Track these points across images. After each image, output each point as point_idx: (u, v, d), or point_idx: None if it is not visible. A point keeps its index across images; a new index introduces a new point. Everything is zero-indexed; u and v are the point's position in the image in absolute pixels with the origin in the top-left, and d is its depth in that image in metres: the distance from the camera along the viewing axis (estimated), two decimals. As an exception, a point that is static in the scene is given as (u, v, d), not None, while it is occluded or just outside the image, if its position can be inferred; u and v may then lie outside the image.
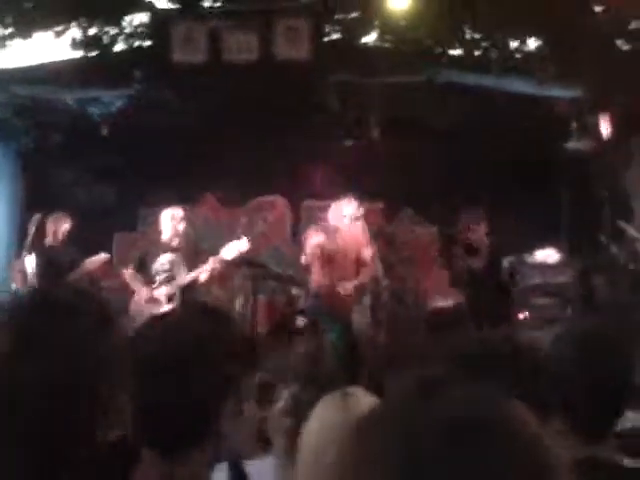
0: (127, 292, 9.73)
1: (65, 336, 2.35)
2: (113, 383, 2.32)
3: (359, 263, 9.34)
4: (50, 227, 10.30)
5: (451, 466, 1.06)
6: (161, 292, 9.42)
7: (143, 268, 9.63)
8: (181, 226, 9.66)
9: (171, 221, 9.64)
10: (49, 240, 10.34)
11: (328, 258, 9.24)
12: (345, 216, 9.28)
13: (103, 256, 10.28)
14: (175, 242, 9.56)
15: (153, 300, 9.43)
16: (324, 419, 2.44)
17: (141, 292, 9.50)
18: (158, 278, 9.52)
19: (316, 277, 9.33)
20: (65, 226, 10.36)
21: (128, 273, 9.71)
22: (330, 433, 2.33)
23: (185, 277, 9.42)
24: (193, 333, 2.31)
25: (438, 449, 1.06)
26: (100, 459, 2.21)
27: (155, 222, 10.87)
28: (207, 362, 2.23)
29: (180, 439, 2.16)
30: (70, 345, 2.33)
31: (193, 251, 9.68)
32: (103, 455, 2.23)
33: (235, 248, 9.50)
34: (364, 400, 2.46)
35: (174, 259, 9.49)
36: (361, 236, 9.40)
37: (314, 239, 9.37)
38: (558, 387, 2.63)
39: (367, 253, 9.35)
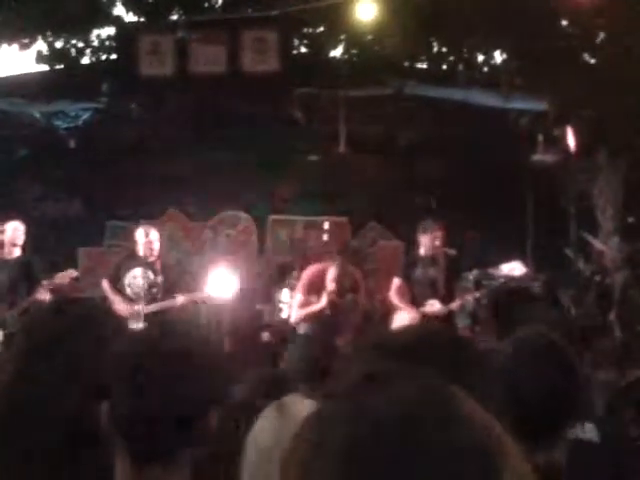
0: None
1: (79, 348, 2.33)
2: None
3: None
4: (4, 234, 10.14)
5: (396, 461, 1.02)
6: (138, 308, 9.39)
7: (118, 281, 9.62)
8: (156, 242, 9.63)
9: (145, 235, 9.58)
10: (6, 248, 10.18)
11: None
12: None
13: (72, 272, 10.14)
14: (150, 258, 9.52)
15: (134, 315, 9.42)
16: (262, 429, 2.39)
17: (119, 305, 9.49)
18: (132, 293, 9.49)
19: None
20: (20, 233, 10.20)
21: (105, 284, 9.69)
22: (268, 441, 2.28)
23: (161, 303, 9.39)
24: (181, 344, 2.24)
25: (380, 444, 1.04)
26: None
27: (127, 235, 10.82)
28: (194, 373, 2.18)
29: (156, 445, 2.11)
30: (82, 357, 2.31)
31: (168, 269, 9.65)
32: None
33: (225, 287, 9.52)
34: (301, 407, 2.42)
35: (150, 278, 9.45)
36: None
37: None
38: (510, 394, 2.67)
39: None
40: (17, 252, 9.88)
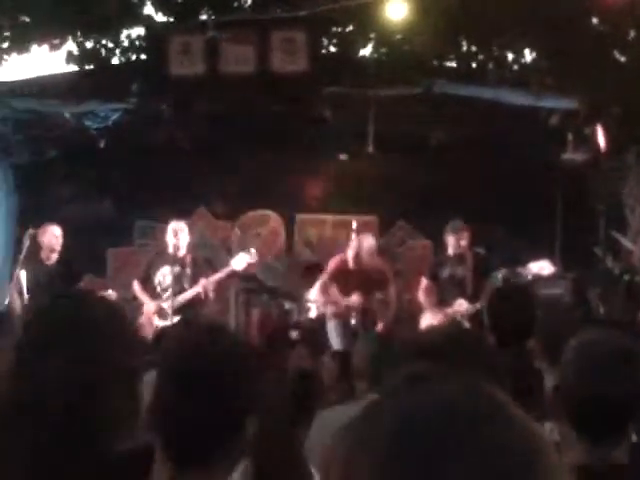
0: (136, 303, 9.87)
1: (81, 341, 2.34)
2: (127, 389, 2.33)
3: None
4: (43, 240, 10.24)
5: (438, 458, 1.02)
6: (167, 305, 9.49)
7: (148, 280, 9.74)
8: (184, 238, 9.71)
9: (174, 234, 9.67)
10: (43, 253, 10.27)
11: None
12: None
13: (111, 293, 10.16)
14: (179, 254, 9.60)
15: (160, 312, 9.53)
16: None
17: (147, 303, 9.61)
18: (161, 290, 9.61)
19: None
20: (58, 239, 10.29)
21: (136, 285, 9.82)
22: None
23: (188, 292, 9.48)
24: (226, 347, 2.31)
25: (423, 441, 1.03)
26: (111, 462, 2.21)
27: (156, 235, 10.88)
28: (239, 376, 2.23)
29: (198, 449, 2.15)
30: (84, 350, 2.31)
31: (197, 263, 9.73)
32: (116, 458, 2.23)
33: (244, 260, 9.61)
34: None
35: (178, 271, 9.54)
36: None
37: None
38: (565, 394, 2.72)
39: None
40: (55, 257, 10.03)
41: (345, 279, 9.80)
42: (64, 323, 2.33)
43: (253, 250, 9.88)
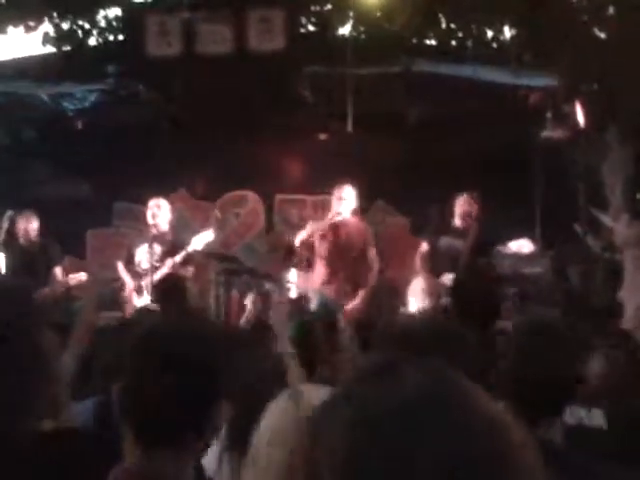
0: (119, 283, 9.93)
1: None
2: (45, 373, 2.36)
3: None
4: (20, 226, 10.21)
5: (409, 447, 1.03)
6: (145, 282, 9.49)
7: (131, 260, 9.76)
8: (164, 215, 9.73)
9: (155, 209, 9.67)
10: (20, 239, 10.25)
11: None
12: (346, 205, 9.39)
13: (84, 275, 10.19)
14: (159, 230, 9.60)
15: (137, 290, 9.55)
16: (274, 420, 2.37)
17: (128, 282, 9.64)
18: (142, 269, 9.62)
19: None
20: (34, 224, 10.27)
21: (120, 265, 9.84)
22: (280, 434, 2.26)
23: (160, 270, 9.46)
24: (195, 330, 2.33)
25: (395, 430, 1.04)
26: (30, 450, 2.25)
27: (136, 216, 10.85)
28: (208, 359, 2.23)
29: (165, 430, 2.16)
30: None
31: (177, 240, 9.72)
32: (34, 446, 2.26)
33: (202, 239, 9.57)
34: (315, 396, 2.39)
35: (156, 249, 9.55)
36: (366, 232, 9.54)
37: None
38: (503, 375, 2.78)
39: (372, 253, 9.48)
40: (32, 242, 10.04)
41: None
42: None
43: (211, 230, 9.82)
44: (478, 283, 5.21)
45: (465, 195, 9.37)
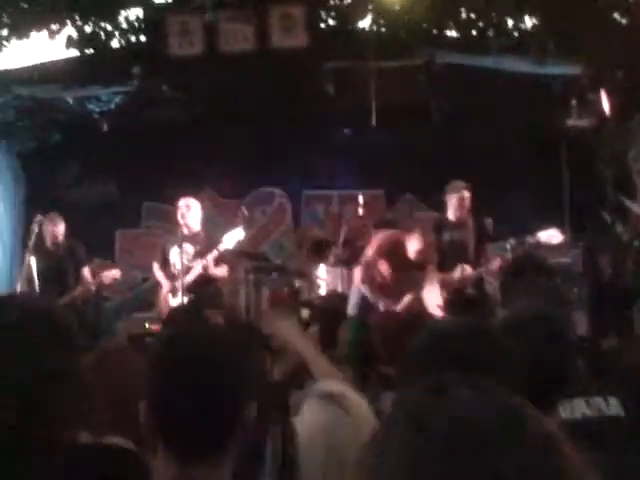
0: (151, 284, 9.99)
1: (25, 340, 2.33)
2: (80, 387, 2.32)
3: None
4: (47, 229, 10.28)
5: (468, 470, 1.04)
6: (177, 283, 9.51)
7: (165, 261, 9.78)
8: (195, 214, 9.74)
9: (185, 210, 9.69)
10: (48, 241, 10.32)
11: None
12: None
13: (116, 272, 10.25)
14: (190, 231, 9.62)
15: (172, 291, 9.56)
16: (314, 422, 2.35)
17: (164, 284, 9.66)
18: (175, 269, 9.63)
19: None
20: (60, 227, 10.33)
21: (155, 267, 9.87)
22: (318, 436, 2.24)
23: (193, 270, 9.48)
24: (223, 335, 2.31)
25: (457, 453, 1.05)
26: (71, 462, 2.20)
27: (164, 216, 10.89)
28: (233, 364, 2.20)
29: (202, 443, 2.12)
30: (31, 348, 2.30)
31: (209, 239, 9.72)
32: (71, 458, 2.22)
33: (234, 237, 9.54)
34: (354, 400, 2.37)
35: (188, 249, 9.56)
36: None
37: None
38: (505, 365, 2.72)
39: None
40: (59, 245, 10.11)
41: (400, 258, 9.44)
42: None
43: (240, 228, 9.77)
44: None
45: (452, 183, 9.21)
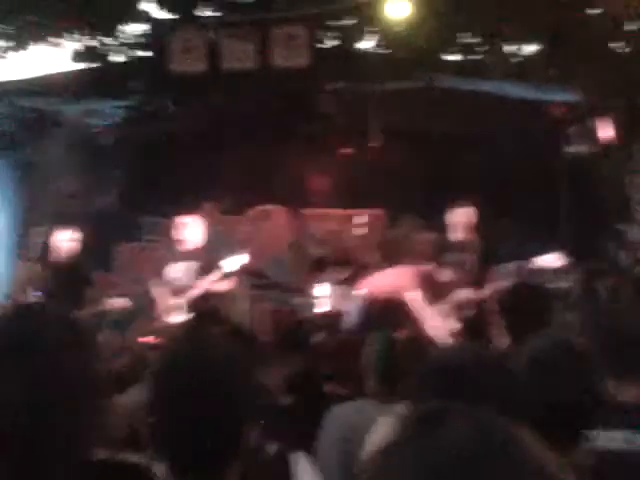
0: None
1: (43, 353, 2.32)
2: (96, 400, 2.30)
3: None
4: (54, 243, 10.29)
5: None
6: (178, 301, 9.51)
7: (164, 277, 9.78)
8: (190, 233, 9.74)
9: (178, 229, 9.71)
10: (52, 256, 10.32)
11: None
12: None
13: (124, 301, 10.21)
14: (187, 248, 9.63)
15: (172, 309, 9.55)
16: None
17: (164, 301, 9.64)
18: (175, 285, 9.63)
19: None
20: (69, 242, 10.33)
21: (152, 283, 9.86)
22: None
23: (196, 288, 9.48)
24: (223, 351, 2.32)
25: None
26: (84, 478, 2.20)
27: (164, 231, 10.92)
28: (237, 380, 2.22)
29: (205, 458, 2.14)
30: (49, 361, 2.30)
31: (210, 257, 9.72)
32: (87, 474, 2.20)
33: (237, 262, 9.54)
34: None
35: (188, 266, 9.56)
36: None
37: None
38: (520, 399, 2.67)
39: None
40: (63, 260, 10.09)
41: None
42: (17, 344, 2.28)
43: (245, 253, 9.76)
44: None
45: (460, 206, 9.11)
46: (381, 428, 2.35)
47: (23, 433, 2.15)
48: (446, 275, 8.97)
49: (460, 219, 8.96)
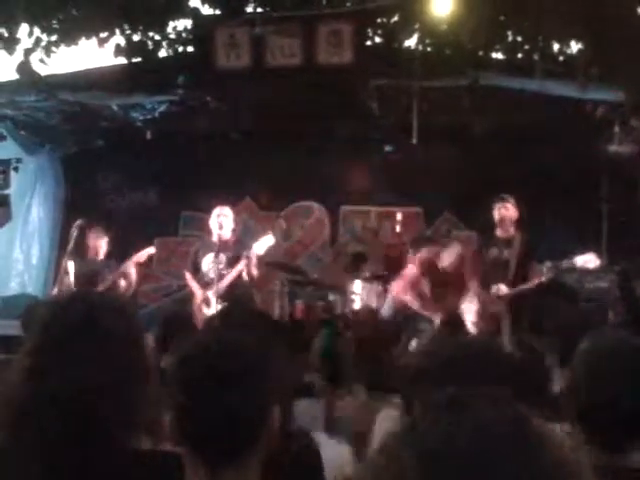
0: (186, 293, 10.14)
1: (94, 341, 2.36)
2: (140, 390, 2.36)
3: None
4: (91, 241, 10.42)
5: None
6: (210, 292, 9.58)
7: (197, 269, 9.85)
8: (228, 223, 9.82)
9: (218, 218, 9.78)
10: (89, 251, 10.46)
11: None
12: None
13: (150, 249, 10.37)
14: (222, 239, 9.69)
15: (205, 301, 9.61)
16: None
17: (197, 293, 9.72)
18: (208, 278, 9.70)
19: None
20: (102, 241, 10.48)
21: (187, 275, 9.94)
22: None
23: (226, 278, 9.55)
24: (247, 341, 2.31)
25: (465, 467, 1.06)
26: (134, 469, 2.24)
27: (202, 225, 11.01)
28: (257, 369, 2.22)
29: (229, 447, 2.15)
30: (103, 354, 2.34)
31: (240, 247, 9.79)
32: (138, 465, 2.26)
33: (264, 244, 9.59)
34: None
35: (221, 257, 9.62)
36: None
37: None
38: (577, 397, 2.66)
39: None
40: (100, 256, 10.22)
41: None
42: (78, 326, 2.35)
43: (270, 233, 9.84)
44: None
45: (501, 201, 9.20)
46: (384, 422, 2.35)
47: (72, 415, 2.21)
48: (447, 259, 9.13)
49: (505, 215, 9.03)
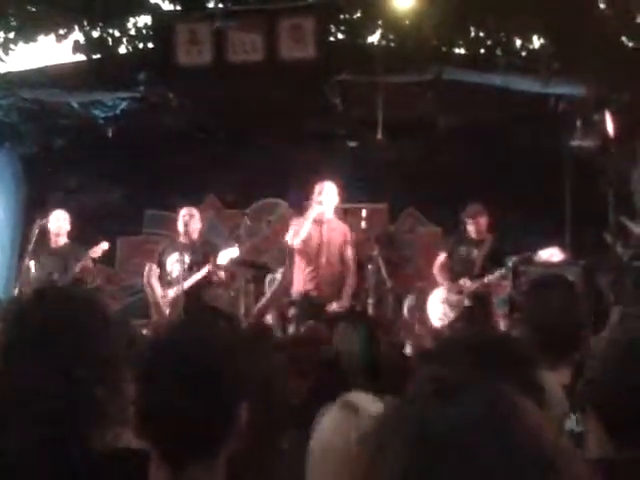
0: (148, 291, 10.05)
1: (64, 337, 2.33)
2: (112, 385, 2.33)
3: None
4: (52, 224, 10.32)
5: (468, 470, 1.05)
6: (171, 291, 9.58)
7: (162, 268, 9.83)
8: (195, 224, 9.82)
9: (186, 219, 9.75)
10: (51, 239, 10.36)
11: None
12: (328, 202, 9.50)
13: (104, 244, 10.29)
14: (189, 239, 9.69)
15: (166, 299, 9.60)
16: (328, 431, 2.33)
17: (158, 292, 9.70)
18: (172, 278, 9.69)
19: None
20: (65, 220, 10.39)
21: (149, 273, 9.91)
22: (335, 446, 2.23)
23: (189, 280, 9.54)
24: (211, 338, 2.30)
25: (456, 452, 1.06)
26: (99, 461, 2.22)
27: (166, 223, 10.93)
28: (226, 367, 2.20)
29: (194, 446, 2.12)
30: (68, 346, 2.31)
31: (205, 249, 9.78)
32: (103, 457, 2.24)
33: (227, 255, 9.62)
34: (368, 404, 2.36)
35: (186, 257, 9.61)
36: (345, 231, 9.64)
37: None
38: (596, 388, 2.63)
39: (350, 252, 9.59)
40: (63, 240, 10.10)
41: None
42: (45, 321, 2.33)
43: (236, 246, 9.92)
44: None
45: (474, 206, 9.59)
46: (327, 420, 2.31)
47: (40, 415, 2.20)
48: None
49: (478, 228, 9.56)
